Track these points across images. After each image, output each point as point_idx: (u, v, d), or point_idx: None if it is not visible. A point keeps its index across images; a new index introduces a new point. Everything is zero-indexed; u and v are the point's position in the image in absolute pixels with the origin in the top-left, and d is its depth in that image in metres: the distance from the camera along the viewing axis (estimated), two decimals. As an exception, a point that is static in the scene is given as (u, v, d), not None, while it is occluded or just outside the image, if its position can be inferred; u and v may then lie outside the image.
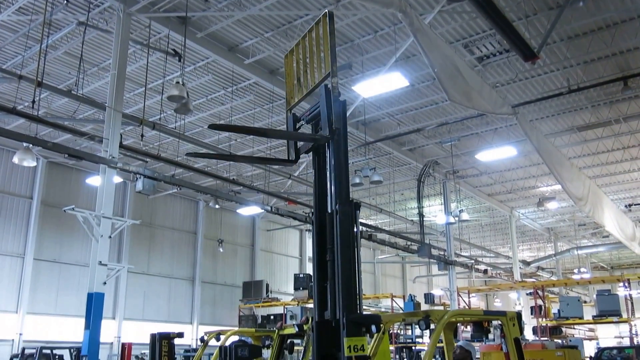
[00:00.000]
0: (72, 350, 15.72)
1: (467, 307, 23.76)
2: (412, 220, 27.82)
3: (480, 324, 6.77)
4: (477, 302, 32.27)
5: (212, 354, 12.83)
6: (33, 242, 20.85)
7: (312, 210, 5.45)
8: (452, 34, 14.06)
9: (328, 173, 5.03)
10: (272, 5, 12.70)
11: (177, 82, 12.24)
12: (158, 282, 25.04)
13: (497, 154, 19.76)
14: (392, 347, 19.56)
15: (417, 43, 10.70)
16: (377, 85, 14.34)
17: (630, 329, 19.07)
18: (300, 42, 5.55)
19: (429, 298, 28.15)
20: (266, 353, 10.61)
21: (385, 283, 37.68)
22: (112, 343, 22.29)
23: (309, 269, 29.82)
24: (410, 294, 26.74)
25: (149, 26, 13.42)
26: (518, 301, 33.63)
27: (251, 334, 11.79)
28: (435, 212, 27.38)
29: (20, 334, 19.83)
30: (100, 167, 12.40)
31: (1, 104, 13.67)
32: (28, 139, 12.94)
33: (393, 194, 25.67)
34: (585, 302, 25.98)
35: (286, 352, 8.64)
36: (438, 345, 9.71)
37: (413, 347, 20.59)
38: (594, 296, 21.61)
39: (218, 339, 11.02)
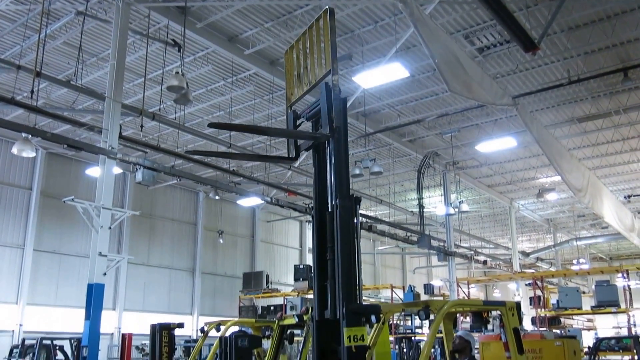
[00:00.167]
0: (72, 340, 15.78)
1: (466, 297, 23.83)
2: (412, 211, 27.85)
3: (480, 315, 6.78)
4: (476, 293, 32.35)
5: (213, 345, 12.86)
6: (33, 233, 20.88)
7: (312, 203, 5.46)
8: (453, 25, 14.00)
9: (328, 171, 5.02)
10: (272, -5, 12.65)
11: (177, 73, 12.20)
12: (158, 273, 25.09)
13: (497, 145, 19.75)
14: (391, 338, 19.64)
15: (417, 33, 10.65)
16: (378, 76, 14.30)
17: (629, 319, 19.15)
18: (301, 38, 5.52)
19: (428, 289, 28.21)
20: (266, 343, 10.65)
21: (385, 274, 37.77)
22: (112, 334, 22.38)
23: (309, 260, 29.88)
24: (410, 285, 26.77)
25: (148, 16, 13.36)
26: (517, 292, 33.73)
27: (251, 324, 11.81)
28: (435, 203, 27.40)
29: (21, 325, 19.90)
30: (100, 158, 12.39)
31: (0, 94, 13.63)
32: (27, 129, 12.91)
33: (393, 185, 25.68)
34: (584, 292, 26.03)
35: (286, 343, 8.66)
36: (437, 335, 9.76)
37: (413, 338, 20.65)
38: (593, 287, 21.66)
39: (218, 330, 11.04)
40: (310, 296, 22.83)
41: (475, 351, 7.78)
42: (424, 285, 29.17)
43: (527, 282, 27.54)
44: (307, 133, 5.44)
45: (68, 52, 15.23)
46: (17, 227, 20.76)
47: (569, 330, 21.18)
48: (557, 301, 21.18)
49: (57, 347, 16.33)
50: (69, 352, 16.17)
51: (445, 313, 6.10)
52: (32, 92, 11.55)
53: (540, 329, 19.75)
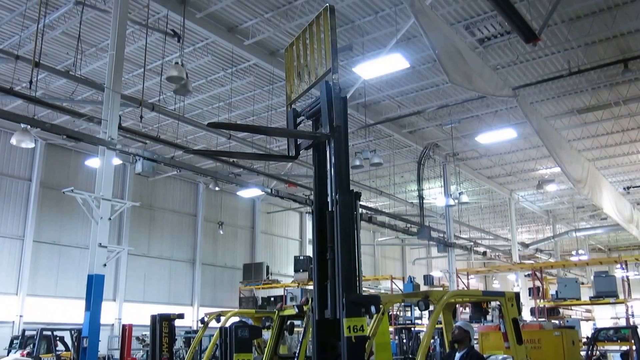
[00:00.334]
0: (72, 331, 15.81)
1: (466, 288, 23.89)
2: (412, 202, 27.87)
3: (479, 305, 6.82)
4: (475, 284, 32.41)
5: (213, 335, 12.91)
6: (32, 224, 20.88)
7: (312, 195, 5.46)
8: (454, 15, 13.94)
9: (328, 169, 5.02)
10: (272, -15, 12.58)
11: (176, 63, 12.18)
12: (158, 264, 25.14)
13: (497, 136, 19.73)
14: (391, 329, 19.70)
15: (418, 24, 10.61)
16: (378, 67, 14.24)
17: (627, 310, 19.25)
18: (301, 35, 5.48)
19: (428, 280, 28.28)
20: (266, 334, 10.69)
21: (385, 265, 37.85)
22: (112, 325, 22.45)
23: (309, 251, 29.91)
24: (409, 276, 26.83)
25: (147, 6, 13.27)
26: (516, 283, 33.86)
27: (251, 315, 11.85)
28: (435, 194, 27.41)
29: (21, 316, 19.95)
30: (99, 149, 12.37)
31: (-1, 85, 13.61)
32: (26, 120, 12.86)
33: (393, 177, 25.67)
34: (582, 283, 26.11)
35: (286, 333, 8.70)
36: (437, 326, 9.80)
37: (412, 328, 20.74)
38: (592, 278, 21.73)
39: (218, 321, 11.09)
40: (310, 287, 22.90)
41: (475, 341, 7.82)
42: (424, 276, 29.23)
43: (526, 273, 27.64)
44: (307, 133, 5.44)
45: (67, 42, 15.17)
46: (17, 218, 20.77)
47: (567, 321, 21.29)
48: (556, 292, 21.25)
49: (58, 338, 16.39)
50: (69, 343, 16.23)
51: (445, 303, 6.13)
52: (30, 82, 11.52)
53: (539, 319, 19.82)
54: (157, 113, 15.94)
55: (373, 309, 4.53)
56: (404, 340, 19.15)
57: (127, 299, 23.45)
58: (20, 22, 14.13)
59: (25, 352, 15.11)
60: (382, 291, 27.79)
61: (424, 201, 22.65)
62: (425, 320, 22.20)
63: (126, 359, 15.94)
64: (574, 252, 35.91)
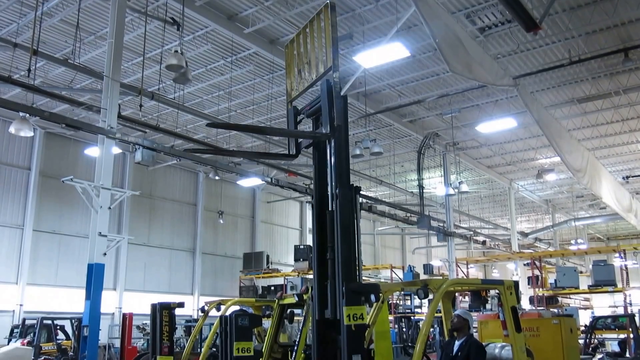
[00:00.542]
0: (73, 320, 15.88)
1: (465, 277, 23.96)
2: (412, 192, 27.88)
3: (478, 294, 6.84)
4: (475, 273, 32.54)
5: (213, 324, 12.96)
6: (32, 213, 20.88)
7: (312, 185, 5.46)
8: (454, 4, 13.85)
9: (329, 168, 5.01)
10: (271, -27, 12.50)
11: (176, 52, 12.12)
12: (158, 254, 25.18)
13: (497, 125, 19.70)
14: (391, 317, 19.77)
15: (418, 13, 10.55)
16: (378, 56, 14.19)
17: (625, 299, 19.33)
18: (301, 32, 5.42)
19: (428, 269, 28.39)
20: (266, 323, 10.72)
21: (385, 254, 37.95)
22: (113, 314, 22.52)
23: (309, 240, 29.96)
24: (409, 265, 26.96)
25: (146, -6, 13.21)
26: (515, 272, 33.97)
27: (251, 303, 11.87)
28: (435, 183, 27.43)
29: (21, 305, 20.02)
30: (99, 138, 12.35)
31: (-2, 74, 13.55)
32: (24, 108, 12.81)
33: (393, 166, 25.66)
34: (581, 272, 26.22)
35: (286, 322, 8.73)
36: (436, 314, 9.83)
37: (412, 317, 20.82)
38: (590, 266, 21.81)
39: (218, 309, 11.10)
40: (310, 276, 22.96)
41: (474, 329, 7.85)
42: (424, 265, 29.33)
43: (525, 262, 27.71)
44: (308, 133, 5.43)
45: (65, 30, 15.06)
46: (16, 207, 20.77)
47: (566, 309, 21.39)
48: (555, 281, 21.36)
49: (58, 327, 16.45)
50: (70, 332, 16.30)
51: (444, 292, 6.14)
52: (29, 70, 11.47)
53: (538, 307, 19.92)
54: (156, 102, 15.91)
55: (373, 297, 4.55)
56: (404, 329, 19.23)
57: (128, 288, 23.52)
58: (18, 10, 14.03)
59: (25, 341, 15.15)
60: (382, 280, 27.91)
61: (424, 190, 22.65)
62: (425, 309, 22.29)
63: (127, 348, 16.03)
64: (572, 241, 35.99)
